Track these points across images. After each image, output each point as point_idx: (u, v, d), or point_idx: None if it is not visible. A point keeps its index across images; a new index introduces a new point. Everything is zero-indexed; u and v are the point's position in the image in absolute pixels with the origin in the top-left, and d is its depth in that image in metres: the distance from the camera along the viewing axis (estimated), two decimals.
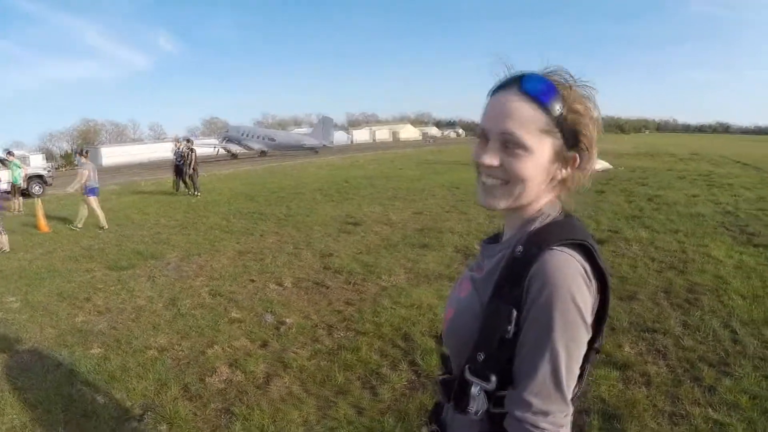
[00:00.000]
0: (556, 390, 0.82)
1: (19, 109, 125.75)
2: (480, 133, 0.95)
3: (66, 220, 10.06)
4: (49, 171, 17.99)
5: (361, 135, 73.78)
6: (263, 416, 2.96)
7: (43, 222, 9.51)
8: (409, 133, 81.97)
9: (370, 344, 3.85)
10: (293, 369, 3.54)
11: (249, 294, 5.21)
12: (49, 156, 47.77)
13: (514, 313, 0.84)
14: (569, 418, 0.85)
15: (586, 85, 0.92)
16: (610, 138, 55.45)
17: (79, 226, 9.27)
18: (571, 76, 0.91)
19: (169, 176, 16.50)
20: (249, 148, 38.44)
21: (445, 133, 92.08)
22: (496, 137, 0.90)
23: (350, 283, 5.43)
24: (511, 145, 0.88)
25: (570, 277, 0.83)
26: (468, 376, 0.88)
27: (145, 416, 3.03)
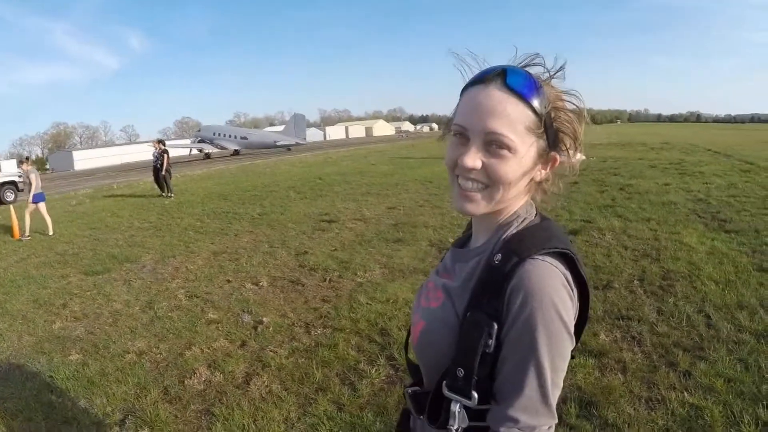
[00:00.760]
0: (543, 404, 0.78)
1: None
2: (457, 132, 0.86)
3: (39, 229, 9.83)
4: (21, 177, 17.50)
5: (335, 132, 73.98)
6: (244, 416, 3.01)
7: (17, 229, 9.36)
8: (382, 129, 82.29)
9: (347, 340, 3.93)
10: (272, 368, 3.59)
11: (225, 294, 5.25)
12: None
13: (495, 327, 0.79)
14: (553, 428, 0.82)
15: (563, 79, 0.86)
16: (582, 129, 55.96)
17: (50, 233, 9.25)
18: (547, 70, 0.86)
19: (144, 179, 16.22)
20: (222, 148, 38.07)
21: (419, 128, 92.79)
22: (478, 137, 0.82)
23: (326, 280, 5.50)
24: (495, 145, 0.81)
25: (553, 289, 0.78)
26: (447, 393, 0.83)
27: (126, 420, 3.06)
